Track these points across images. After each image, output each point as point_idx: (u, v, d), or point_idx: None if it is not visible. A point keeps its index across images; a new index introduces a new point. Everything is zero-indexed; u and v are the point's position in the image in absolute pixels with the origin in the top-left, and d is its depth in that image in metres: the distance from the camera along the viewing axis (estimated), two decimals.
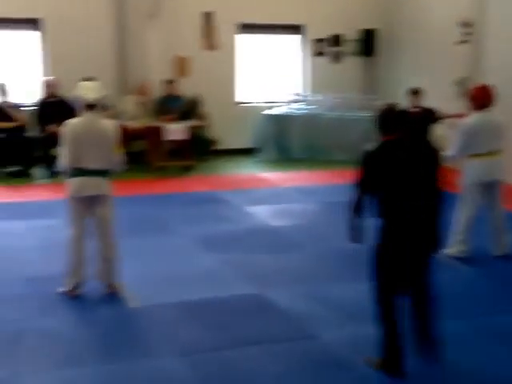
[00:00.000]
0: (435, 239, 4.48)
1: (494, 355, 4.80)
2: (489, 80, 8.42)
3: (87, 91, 5.58)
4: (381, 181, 4.35)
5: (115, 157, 5.71)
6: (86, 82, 5.75)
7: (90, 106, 5.56)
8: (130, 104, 11.13)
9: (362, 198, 4.45)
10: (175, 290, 6.02)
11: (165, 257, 6.89)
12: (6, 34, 11.21)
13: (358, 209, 4.50)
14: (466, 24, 10.98)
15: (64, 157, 5.58)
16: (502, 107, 7.45)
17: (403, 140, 4.38)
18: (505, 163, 6.82)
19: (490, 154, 6.67)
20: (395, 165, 4.32)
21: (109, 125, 5.71)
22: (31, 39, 11.31)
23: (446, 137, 9.25)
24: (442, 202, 4.45)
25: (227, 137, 12.13)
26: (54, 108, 9.89)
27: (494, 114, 6.81)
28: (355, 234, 4.59)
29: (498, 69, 10.21)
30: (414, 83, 11.03)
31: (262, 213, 8.61)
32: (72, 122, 5.62)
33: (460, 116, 7.95)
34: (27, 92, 11.19)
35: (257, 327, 5.31)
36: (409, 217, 4.34)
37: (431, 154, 4.44)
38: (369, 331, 5.17)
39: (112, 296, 5.79)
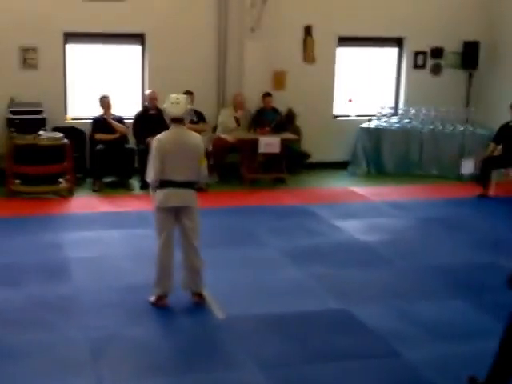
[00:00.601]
0: None
1: None
2: None
3: (172, 105, 5.73)
4: None
5: (201, 169, 5.84)
6: (173, 96, 5.87)
7: (176, 120, 5.72)
8: (227, 117, 11.28)
9: None
10: (261, 302, 6.07)
11: (252, 268, 6.94)
12: (111, 48, 11.59)
13: None
14: None
15: (152, 169, 5.74)
16: None
17: None
18: None
19: None
20: None
21: (196, 138, 5.87)
22: (135, 53, 11.65)
23: None
24: None
25: (321, 150, 12.09)
26: (154, 120, 10.12)
27: None
28: None
29: None
30: None
31: (352, 227, 8.53)
32: (160, 135, 5.80)
33: None
34: (130, 104, 11.52)
35: (341, 342, 5.29)
36: None
37: None
38: (455, 351, 5.11)
39: (198, 306, 5.90)
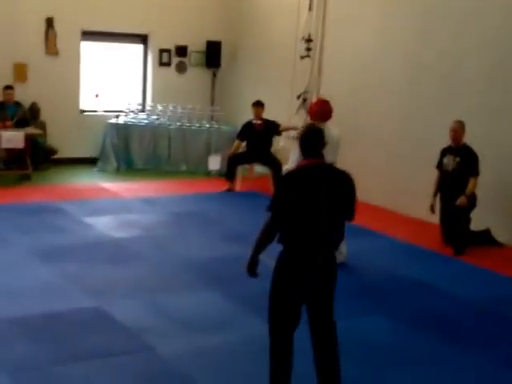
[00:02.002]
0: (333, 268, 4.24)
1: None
2: (327, 93, 8.76)
3: None
4: (295, 205, 4.03)
5: None
6: None
7: None
8: None
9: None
10: (8, 303, 5.73)
11: None
12: None
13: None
14: (307, 40, 11.27)
15: None
16: (339, 119, 7.76)
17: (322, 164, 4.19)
18: None
19: None
20: (313, 190, 4.05)
21: None
22: None
23: (287, 149, 9.47)
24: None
25: (69, 146, 11.78)
26: None
27: (331, 126, 7.03)
28: (253, 266, 4.22)
29: (335, 83, 10.57)
30: (257, 96, 11.21)
31: (103, 224, 8.38)
32: None
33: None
34: None
35: (94, 341, 5.16)
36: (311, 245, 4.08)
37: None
38: (209, 342, 5.21)
39: None
